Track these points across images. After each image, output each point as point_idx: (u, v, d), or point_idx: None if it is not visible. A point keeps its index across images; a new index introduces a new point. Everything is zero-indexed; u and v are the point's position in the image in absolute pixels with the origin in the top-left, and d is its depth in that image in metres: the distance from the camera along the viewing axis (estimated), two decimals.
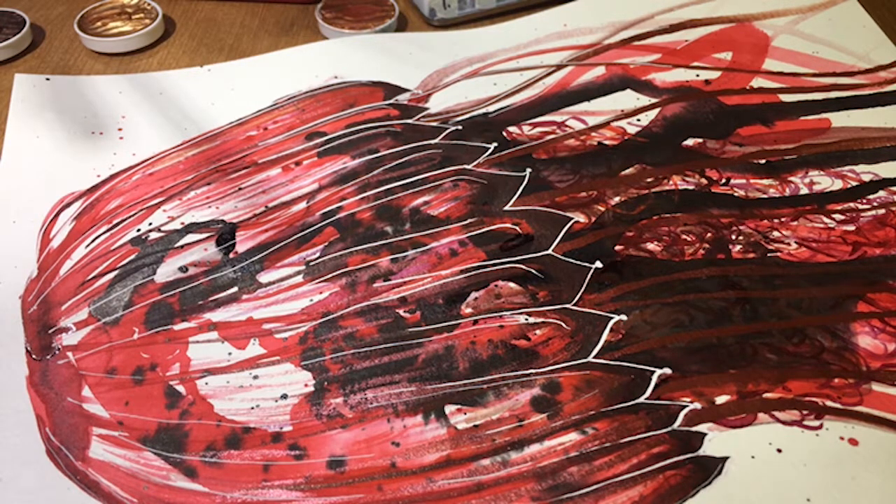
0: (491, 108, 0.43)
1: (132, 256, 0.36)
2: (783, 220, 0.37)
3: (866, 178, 0.38)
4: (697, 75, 0.44)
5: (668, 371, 0.31)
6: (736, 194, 0.38)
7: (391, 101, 0.43)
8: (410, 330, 0.33)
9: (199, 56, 0.47)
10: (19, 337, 0.33)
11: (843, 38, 0.45)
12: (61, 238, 0.36)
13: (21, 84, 0.44)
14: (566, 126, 0.41)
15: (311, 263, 0.35)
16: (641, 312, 0.33)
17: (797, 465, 0.28)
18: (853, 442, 0.29)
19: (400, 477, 0.28)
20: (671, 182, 0.38)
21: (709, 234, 0.36)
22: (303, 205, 0.38)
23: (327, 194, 0.38)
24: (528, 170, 0.39)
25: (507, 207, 0.37)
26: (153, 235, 0.36)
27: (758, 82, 0.43)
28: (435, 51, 0.46)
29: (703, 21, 0.47)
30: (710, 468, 0.28)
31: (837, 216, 0.37)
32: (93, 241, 0.36)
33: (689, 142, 0.40)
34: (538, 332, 0.32)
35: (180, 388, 0.31)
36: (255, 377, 0.31)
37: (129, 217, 0.37)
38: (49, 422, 0.30)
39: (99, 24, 0.48)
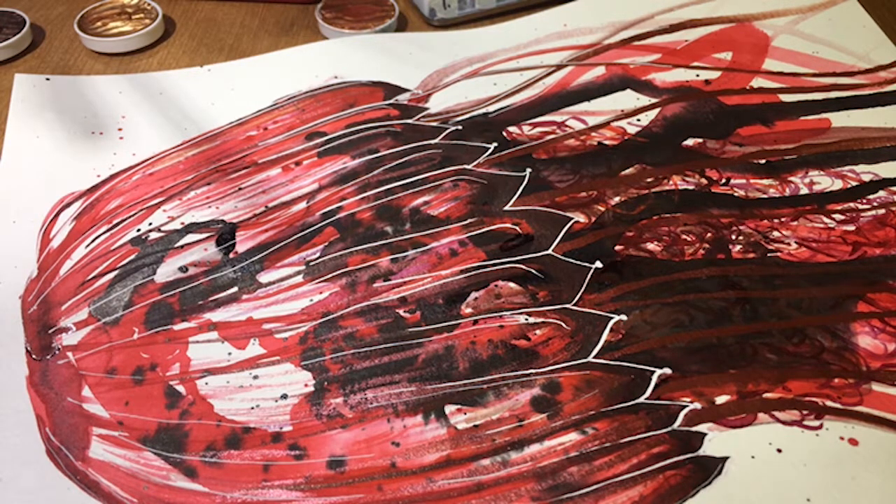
0: (491, 108, 0.43)
1: (132, 256, 0.36)
2: (783, 220, 0.37)
3: (866, 178, 0.38)
4: (697, 75, 0.44)
5: (668, 371, 0.31)
6: (736, 194, 0.38)
7: (391, 101, 0.43)
8: (410, 330, 0.33)
9: (199, 56, 0.47)
10: (19, 337, 0.33)
11: (843, 38, 0.45)
12: (61, 238, 0.36)
13: (21, 84, 0.44)
14: (566, 126, 0.41)
15: (311, 263, 0.35)
16: (641, 312, 0.33)
17: (797, 465, 0.28)
18: (853, 442, 0.29)
19: (400, 477, 0.28)
20: (671, 182, 0.38)
21: (709, 234, 0.36)
22: (303, 205, 0.38)
23: (327, 194, 0.38)
24: (528, 170, 0.39)
25: (507, 207, 0.37)
26: (153, 235, 0.36)
27: (758, 82, 0.43)
28: (435, 51, 0.46)
29: (703, 21, 0.47)
30: (710, 468, 0.28)
31: (837, 216, 0.37)
32: (93, 241, 0.36)
33: (689, 142, 0.40)
34: (538, 332, 0.32)
35: (180, 388, 0.31)
36: (255, 377, 0.31)
37: (129, 217, 0.37)
38: (49, 422, 0.30)
39: (99, 24, 0.48)
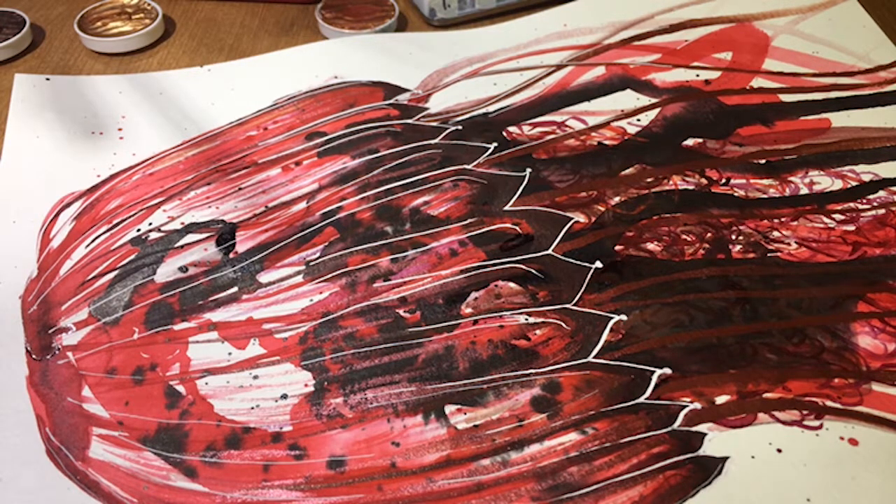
0: (491, 108, 0.43)
1: (132, 256, 0.36)
2: (783, 220, 0.37)
3: (866, 178, 0.38)
4: (697, 75, 0.44)
5: (668, 371, 0.31)
6: (736, 194, 0.38)
7: (391, 101, 0.43)
8: (410, 330, 0.33)
9: (199, 56, 0.47)
10: (19, 337, 0.33)
11: (843, 38, 0.45)
12: (61, 238, 0.36)
13: (21, 84, 0.44)
14: (566, 126, 0.41)
15: (311, 263, 0.35)
16: (641, 312, 0.33)
17: (797, 465, 0.28)
18: (853, 442, 0.29)
19: (400, 477, 0.28)
20: (671, 182, 0.38)
21: (709, 234, 0.36)
22: (303, 205, 0.38)
23: (327, 194, 0.38)
24: (528, 170, 0.39)
25: (507, 207, 0.37)
26: (153, 235, 0.36)
27: (758, 82, 0.43)
28: (435, 51, 0.46)
29: (703, 21, 0.47)
30: (710, 468, 0.28)
31: (837, 216, 0.37)
32: (93, 241, 0.36)
33: (689, 142, 0.40)
34: (538, 332, 0.32)
35: (180, 388, 0.31)
36: (255, 377, 0.31)
37: (129, 217, 0.37)
38: (49, 422, 0.30)
39: (99, 24, 0.48)
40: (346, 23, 0.48)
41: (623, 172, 0.39)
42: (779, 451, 0.29)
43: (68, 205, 0.38)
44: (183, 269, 0.35)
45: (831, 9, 0.47)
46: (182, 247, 0.36)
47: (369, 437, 0.29)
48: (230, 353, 0.32)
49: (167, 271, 0.35)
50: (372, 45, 0.46)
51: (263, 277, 0.35)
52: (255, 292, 0.34)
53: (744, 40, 0.46)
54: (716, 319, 0.33)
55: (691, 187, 0.38)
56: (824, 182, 0.38)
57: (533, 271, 0.35)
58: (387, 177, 0.39)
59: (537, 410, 0.30)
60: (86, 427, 0.30)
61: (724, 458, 0.29)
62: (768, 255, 0.35)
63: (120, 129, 0.42)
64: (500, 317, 0.33)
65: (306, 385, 0.31)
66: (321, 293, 0.34)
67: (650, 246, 0.36)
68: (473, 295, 0.34)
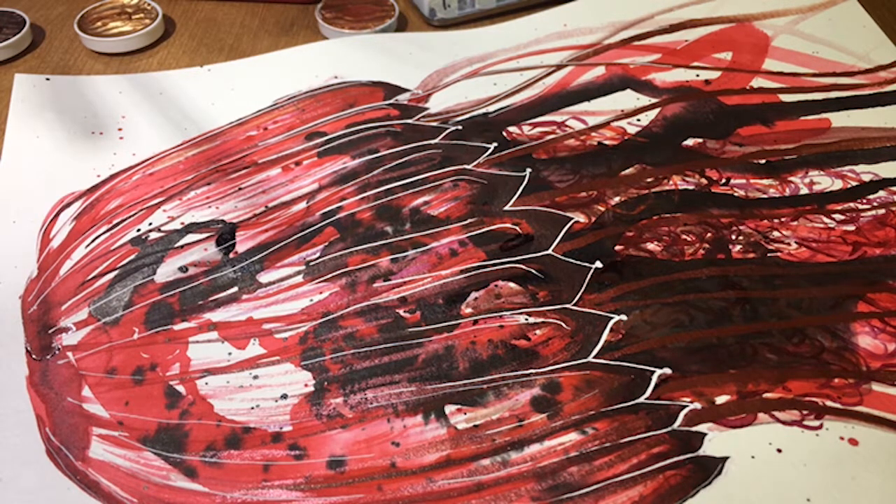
0: (491, 108, 0.43)
1: (132, 256, 0.36)
2: (783, 220, 0.37)
3: (866, 178, 0.38)
4: (697, 75, 0.44)
5: (668, 371, 0.31)
6: (736, 194, 0.38)
7: (391, 101, 0.43)
8: (410, 330, 0.33)
9: (199, 56, 0.47)
10: (19, 337, 0.33)
11: (843, 38, 0.45)
12: (61, 238, 0.36)
13: (21, 84, 0.44)
14: (566, 126, 0.41)
15: (311, 263, 0.35)
16: (641, 312, 0.33)
17: (797, 465, 0.28)
18: (853, 442, 0.29)
19: (400, 477, 0.28)
20: (671, 182, 0.38)
21: (709, 234, 0.36)
22: (303, 205, 0.38)
23: (327, 194, 0.38)
24: (528, 170, 0.39)
25: (507, 207, 0.37)
26: (153, 235, 0.36)
27: (758, 82, 0.43)
28: (435, 51, 0.46)
29: (703, 21, 0.47)
30: (710, 468, 0.28)
31: (837, 216, 0.37)
32: (93, 241, 0.36)
33: (689, 142, 0.40)
34: (538, 332, 0.32)
35: (180, 388, 0.31)
36: (255, 377, 0.31)
37: (129, 217, 0.37)
38: (49, 422, 0.30)
39: (99, 24, 0.48)
40: (346, 23, 0.48)
41: (623, 172, 0.39)
42: (779, 451, 0.29)
43: (68, 205, 0.38)
44: (183, 269, 0.35)
45: (831, 9, 0.47)
46: (182, 247, 0.36)
47: (369, 437, 0.29)
48: (230, 353, 0.32)
49: (167, 271, 0.35)
50: (372, 45, 0.46)
51: (263, 277, 0.35)
52: (255, 292, 0.34)
53: (744, 40, 0.46)
54: (716, 319, 0.33)
55: (691, 187, 0.38)
56: (824, 182, 0.38)
57: (533, 271, 0.35)
58: (387, 177, 0.39)
59: (537, 410, 0.30)
60: (86, 427, 0.30)
61: (724, 458, 0.29)
62: (768, 255, 0.35)
63: (120, 129, 0.42)
64: (500, 317, 0.33)
65: (306, 385, 0.31)
66: (321, 293, 0.34)
67: (650, 246, 0.36)
68: (473, 295, 0.34)
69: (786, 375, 0.31)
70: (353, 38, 0.47)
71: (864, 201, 0.37)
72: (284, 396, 0.31)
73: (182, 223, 0.37)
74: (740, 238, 0.36)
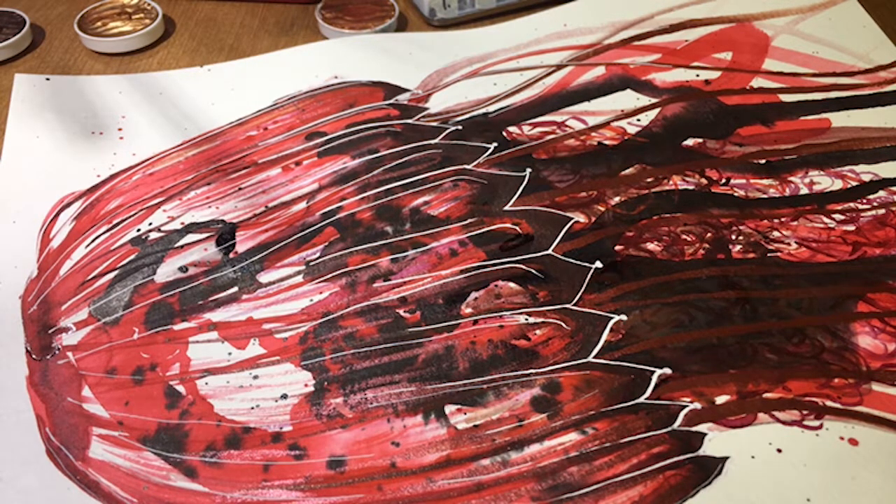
0: (491, 108, 0.43)
1: (132, 256, 0.36)
2: (783, 220, 0.37)
3: (866, 178, 0.38)
4: (697, 75, 0.44)
5: (668, 371, 0.31)
6: (736, 194, 0.38)
7: (391, 101, 0.43)
8: (410, 330, 0.33)
9: (199, 56, 0.47)
10: (19, 337, 0.33)
11: (843, 38, 0.45)
12: (61, 238, 0.36)
13: (21, 84, 0.44)
14: (566, 126, 0.41)
15: (311, 263, 0.35)
16: (641, 312, 0.33)
17: (797, 465, 0.28)
18: (853, 442, 0.29)
19: (400, 477, 0.28)
20: (671, 182, 0.38)
21: (709, 234, 0.36)
22: (303, 205, 0.38)
23: (327, 194, 0.38)
24: (528, 170, 0.39)
25: (507, 207, 0.37)
26: (153, 235, 0.36)
27: (758, 82, 0.43)
28: (435, 51, 0.46)
29: (703, 21, 0.47)
30: (710, 468, 0.28)
31: (837, 216, 0.37)
32: (93, 241, 0.36)
33: (689, 142, 0.40)
34: (538, 332, 0.32)
35: (180, 388, 0.31)
36: (255, 377, 0.31)
37: (129, 217, 0.37)
38: (49, 422, 0.30)
39: (99, 24, 0.48)
40: (346, 23, 0.48)
41: (623, 172, 0.39)
42: (779, 451, 0.29)
43: (68, 205, 0.38)
44: (183, 269, 0.35)
45: (831, 9, 0.47)
46: (182, 247, 0.36)
47: (369, 437, 0.29)
48: (230, 353, 0.32)
49: (167, 271, 0.35)
50: (372, 45, 0.46)
51: (263, 277, 0.35)
52: (255, 292, 0.34)
53: (744, 40, 0.46)
54: (716, 319, 0.33)
55: (691, 187, 0.38)
56: (824, 182, 0.38)
57: (533, 271, 0.35)
58: (387, 177, 0.39)
59: (537, 410, 0.30)
60: (86, 427, 0.30)
61: (724, 458, 0.29)
62: (768, 255, 0.35)
63: (120, 129, 0.42)
64: (500, 317, 0.33)
65: (306, 385, 0.31)
66: (321, 293, 0.34)
67: (650, 246, 0.36)
68: (473, 295, 0.34)
69: (786, 375, 0.31)
70: (353, 38, 0.47)
71: (864, 201, 0.37)
72: (284, 396, 0.31)
73: (182, 223, 0.37)
74: (740, 238, 0.36)
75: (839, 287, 0.34)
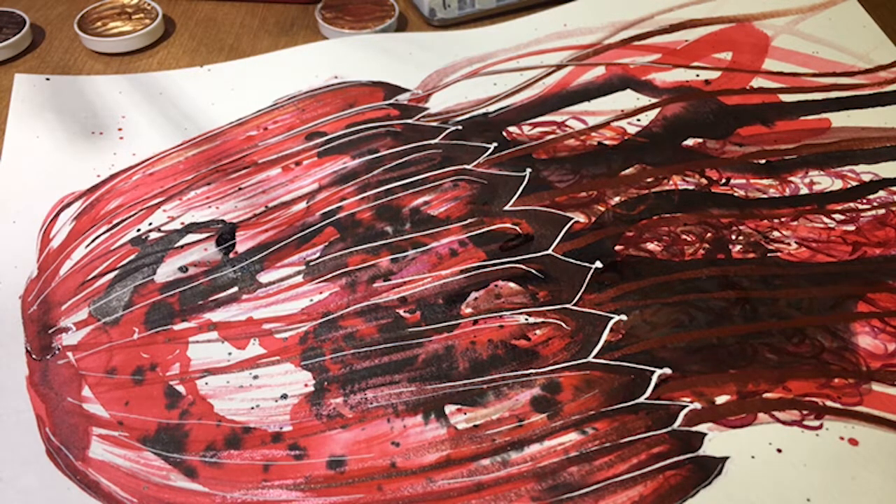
0: (491, 108, 0.43)
1: (132, 256, 0.36)
2: (783, 220, 0.37)
3: (866, 178, 0.38)
4: (697, 75, 0.44)
5: (668, 371, 0.31)
6: (736, 194, 0.38)
7: (391, 101, 0.43)
8: (410, 330, 0.33)
9: (199, 56, 0.47)
10: (19, 337, 0.33)
11: (843, 38, 0.45)
12: (61, 238, 0.36)
13: (21, 84, 0.44)
14: (566, 126, 0.41)
15: (311, 263, 0.35)
16: (641, 312, 0.33)
17: (797, 465, 0.28)
18: (853, 442, 0.29)
19: (400, 477, 0.28)
20: (671, 182, 0.38)
21: (709, 234, 0.36)
22: (303, 205, 0.38)
23: (327, 194, 0.38)
24: (528, 170, 0.39)
25: (507, 207, 0.37)
26: (153, 235, 0.36)
27: (758, 82, 0.43)
28: (435, 51, 0.46)
29: (703, 21, 0.47)
30: (710, 468, 0.28)
31: (837, 216, 0.37)
32: (93, 241, 0.36)
33: (689, 142, 0.40)
34: (538, 332, 0.32)
35: (180, 388, 0.31)
36: (255, 377, 0.31)
37: (129, 217, 0.37)
38: (49, 422, 0.30)
39: (99, 24, 0.48)
40: (346, 23, 0.48)
41: (623, 172, 0.39)
42: (779, 451, 0.29)
43: (68, 205, 0.38)
44: (183, 269, 0.35)
45: (831, 9, 0.47)
46: (182, 247, 0.36)
47: (369, 437, 0.29)
48: (230, 353, 0.32)
49: (167, 271, 0.35)
50: (372, 45, 0.46)
51: (263, 277, 0.35)
52: (255, 292, 0.34)
53: (744, 40, 0.46)
54: (716, 319, 0.33)
55: (691, 187, 0.38)
56: (824, 182, 0.38)
57: (533, 271, 0.35)
58: (387, 177, 0.39)
59: (537, 410, 0.30)
60: (86, 427, 0.30)
61: (724, 458, 0.29)
62: (768, 255, 0.35)
63: (120, 129, 0.42)
64: (500, 317, 0.33)
65: (306, 385, 0.31)
66: (321, 293, 0.34)
67: (650, 246, 0.36)
68: (473, 295, 0.34)
69: (786, 375, 0.31)
70: (353, 38, 0.47)
71: (864, 201, 0.37)
72: (284, 396, 0.31)
73: (182, 223, 0.37)
74: (740, 238, 0.36)
75: (839, 287, 0.34)
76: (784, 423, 0.29)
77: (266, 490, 0.28)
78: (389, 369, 0.31)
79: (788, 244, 0.36)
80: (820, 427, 0.29)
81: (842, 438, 0.29)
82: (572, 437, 0.29)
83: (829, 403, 0.30)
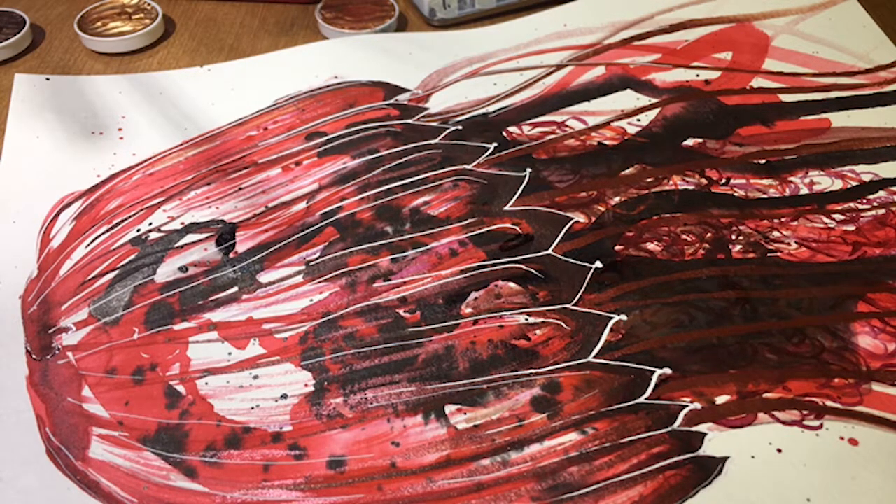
0: (491, 108, 0.43)
1: (132, 256, 0.36)
2: (783, 220, 0.37)
3: (866, 178, 0.38)
4: (697, 75, 0.44)
5: (668, 371, 0.31)
6: (736, 194, 0.38)
7: (391, 101, 0.43)
8: (410, 330, 0.33)
9: (199, 56, 0.47)
10: (19, 337, 0.33)
11: (843, 38, 0.45)
12: (61, 238, 0.36)
13: (21, 84, 0.44)
14: (566, 126, 0.41)
15: (311, 263, 0.35)
16: (641, 312, 0.33)
17: (797, 465, 0.28)
18: (853, 442, 0.29)
19: (400, 477, 0.28)
20: (671, 182, 0.38)
21: (709, 234, 0.36)
22: (303, 205, 0.38)
23: (327, 194, 0.38)
24: (528, 170, 0.39)
25: (507, 207, 0.37)
26: (153, 235, 0.36)
27: (758, 82, 0.43)
28: (435, 51, 0.46)
29: (703, 21, 0.47)
30: (710, 468, 0.28)
31: (837, 216, 0.37)
32: (93, 241, 0.36)
33: (689, 142, 0.40)
34: (538, 332, 0.32)
35: (180, 388, 0.31)
36: (255, 377, 0.31)
37: (129, 217, 0.37)
38: (49, 422, 0.30)
39: (99, 24, 0.48)
40: (346, 23, 0.48)
41: (623, 172, 0.39)
42: (779, 451, 0.29)
43: (68, 205, 0.38)
44: (183, 269, 0.35)
45: (831, 9, 0.47)
46: (182, 247, 0.36)
47: (369, 437, 0.29)
48: (230, 353, 0.32)
49: (167, 271, 0.35)
50: (372, 45, 0.46)
51: (263, 277, 0.35)
52: (255, 292, 0.34)
53: (744, 40, 0.46)
54: (716, 319, 0.33)
55: (691, 187, 0.38)
56: (824, 182, 0.38)
57: (533, 271, 0.35)
58: (387, 177, 0.39)
59: (537, 410, 0.30)
60: (86, 427, 0.30)
61: (724, 458, 0.29)
62: (768, 255, 0.35)
63: (120, 129, 0.42)
64: (500, 317, 0.33)
65: (306, 385, 0.31)
66: (321, 293, 0.34)
67: (650, 246, 0.36)
68: (473, 295, 0.34)
69: (786, 375, 0.31)
70: (353, 38, 0.47)
71: (864, 201, 0.37)
72: (284, 396, 0.31)
73: (182, 223, 0.37)
74: (740, 238, 0.36)
75: (839, 287, 0.34)
76: (784, 423, 0.29)
77: (266, 490, 0.28)
78: (389, 369, 0.31)
79: (788, 244, 0.36)
80: (820, 427, 0.29)
81: (842, 438, 0.29)
82: (572, 437, 0.29)
83: (829, 403, 0.30)
